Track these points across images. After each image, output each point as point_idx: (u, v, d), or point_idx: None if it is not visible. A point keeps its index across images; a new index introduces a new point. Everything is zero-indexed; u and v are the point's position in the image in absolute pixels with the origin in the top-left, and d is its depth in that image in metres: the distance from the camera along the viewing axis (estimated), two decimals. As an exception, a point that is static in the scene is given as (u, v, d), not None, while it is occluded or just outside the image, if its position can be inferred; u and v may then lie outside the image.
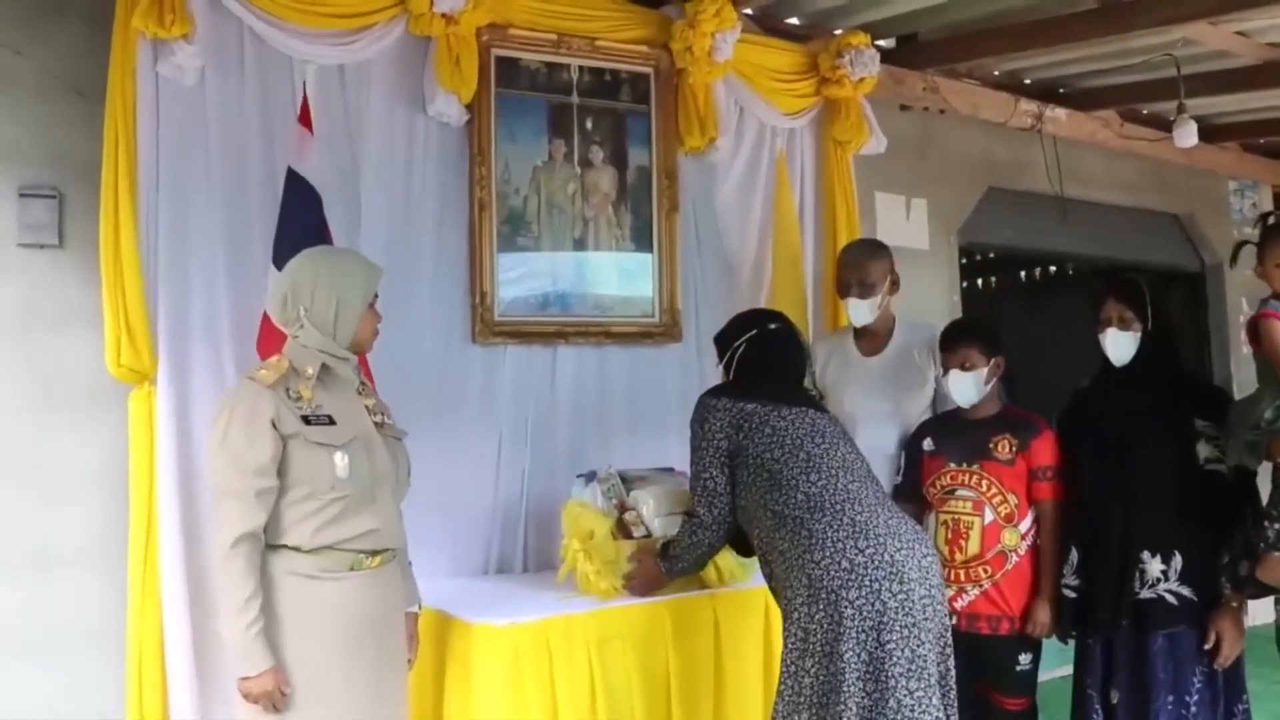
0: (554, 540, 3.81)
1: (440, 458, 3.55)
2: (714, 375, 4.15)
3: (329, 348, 2.59)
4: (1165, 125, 5.53)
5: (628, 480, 3.52)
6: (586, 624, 2.94)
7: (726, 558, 3.26)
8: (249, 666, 2.42)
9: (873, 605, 2.68)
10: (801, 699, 2.69)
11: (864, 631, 2.66)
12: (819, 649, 2.67)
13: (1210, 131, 6.22)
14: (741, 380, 3.16)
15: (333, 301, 2.57)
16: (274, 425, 2.47)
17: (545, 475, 3.82)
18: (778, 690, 2.76)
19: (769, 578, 2.94)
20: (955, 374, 3.40)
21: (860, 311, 3.74)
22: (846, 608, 2.66)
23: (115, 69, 3.11)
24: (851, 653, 2.64)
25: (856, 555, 2.72)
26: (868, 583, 2.69)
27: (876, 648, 2.66)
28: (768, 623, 3.20)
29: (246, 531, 2.43)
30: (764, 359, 3.17)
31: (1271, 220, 3.11)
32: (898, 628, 2.68)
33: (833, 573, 2.70)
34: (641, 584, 3.20)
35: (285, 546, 2.50)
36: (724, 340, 3.26)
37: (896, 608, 2.69)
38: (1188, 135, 5.19)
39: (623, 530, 3.30)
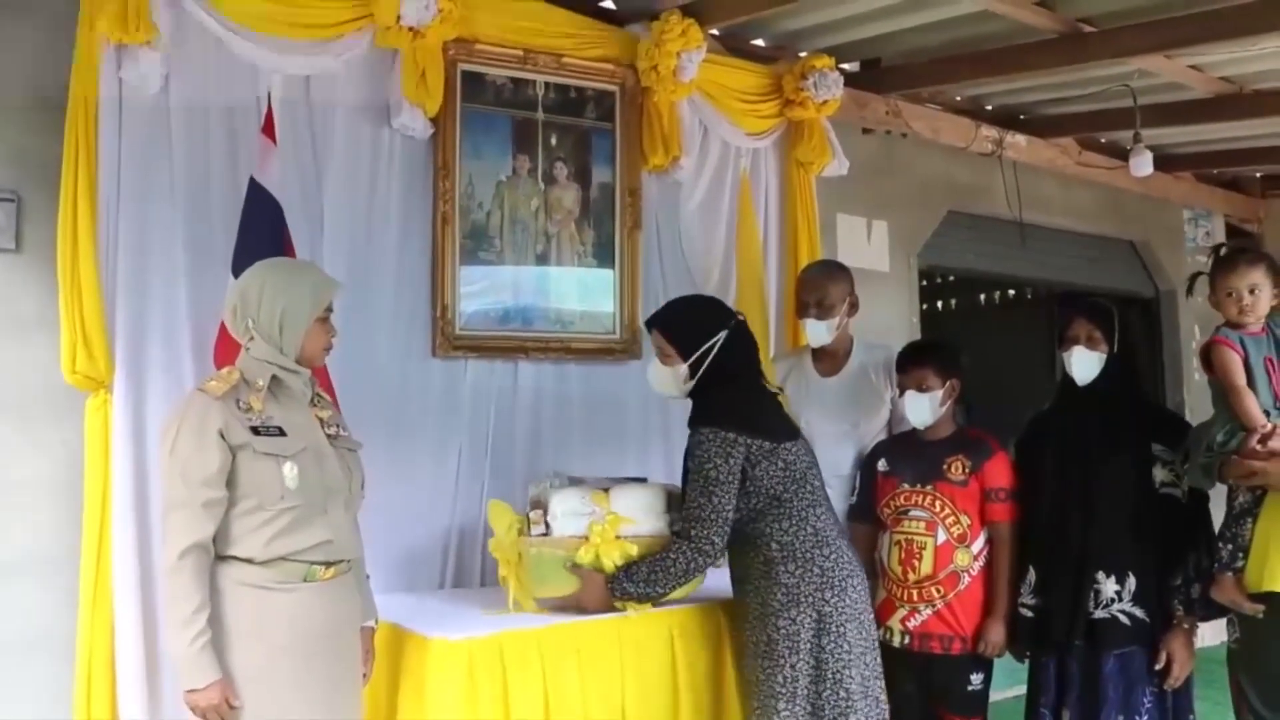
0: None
1: (399, 471, 3.55)
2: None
3: (278, 360, 2.58)
4: (1122, 154, 5.63)
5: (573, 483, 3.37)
6: (541, 639, 2.92)
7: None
8: (195, 679, 2.39)
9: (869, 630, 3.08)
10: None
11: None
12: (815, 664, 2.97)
13: (1165, 161, 6.33)
14: (723, 388, 3.10)
15: (277, 314, 2.56)
16: (222, 436, 2.46)
17: (504, 489, 3.77)
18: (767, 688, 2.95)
19: (748, 592, 3.07)
20: (911, 395, 3.43)
21: (818, 332, 3.76)
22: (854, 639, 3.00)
23: (78, 73, 3.09)
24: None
25: (861, 591, 3.07)
26: (869, 615, 3.10)
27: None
28: (721, 639, 3.20)
29: (194, 543, 2.41)
30: (739, 357, 3.16)
31: (1223, 251, 3.17)
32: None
33: (841, 609, 2.99)
34: (582, 605, 3.07)
35: (236, 558, 2.48)
36: (695, 335, 3.11)
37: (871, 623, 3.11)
38: (1143, 164, 5.28)
39: (526, 526, 3.12)
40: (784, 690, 2.94)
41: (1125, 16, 4.34)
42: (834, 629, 2.97)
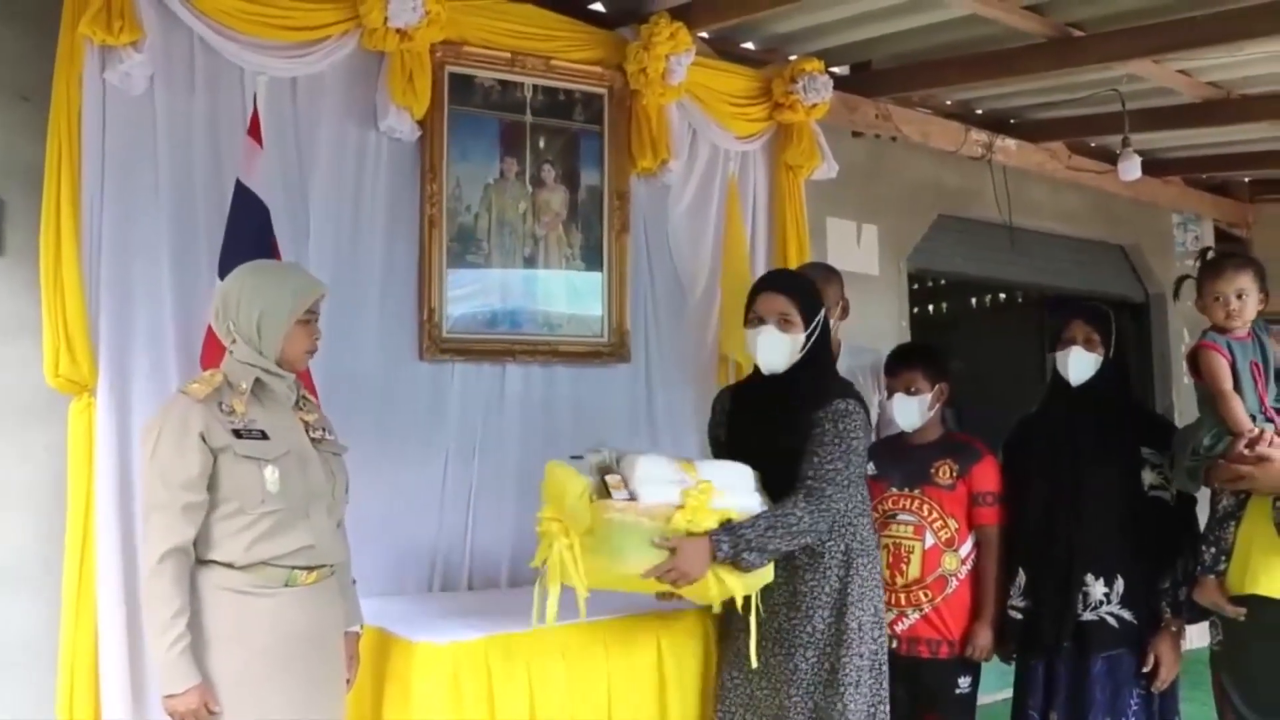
0: (499, 558, 3.82)
1: (386, 474, 3.54)
2: (663, 398, 4.19)
3: (261, 363, 2.57)
4: (1111, 158, 5.65)
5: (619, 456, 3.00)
6: (527, 643, 2.91)
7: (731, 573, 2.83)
8: (174, 684, 2.38)
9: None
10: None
11: None
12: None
13: (1154, 166, 6.35)
14: (829, 363, 3.16)
15: (255, 317, 2.55)
16: (203, 439, 2.45)
17: (491, 493, 3.80)
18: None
19: (808, 580, 2.98)
20: (900, 398, 3.43)
21: None
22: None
23: (61, 75, 3.07)
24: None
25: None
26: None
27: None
28: (706, 644, 3.19)
29: (173, 547, 2.41)
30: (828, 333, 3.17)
31: (1210, 255, 3.18)
32: None
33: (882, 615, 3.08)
34: (682, 572, 2.74)
35: (217, 562, 2.47)
36: (816, 304, 3.06)
37: None
38: (1132, 169, 5.30)
39: (602, 491, 2.76)
40: (851, 679, 2.93)
41: (1114, 21, 4.36)
42: (881, 632, 3.04)
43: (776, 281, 3.15)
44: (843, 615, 2.95)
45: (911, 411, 3.42)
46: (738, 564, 2.77)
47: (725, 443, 3.14)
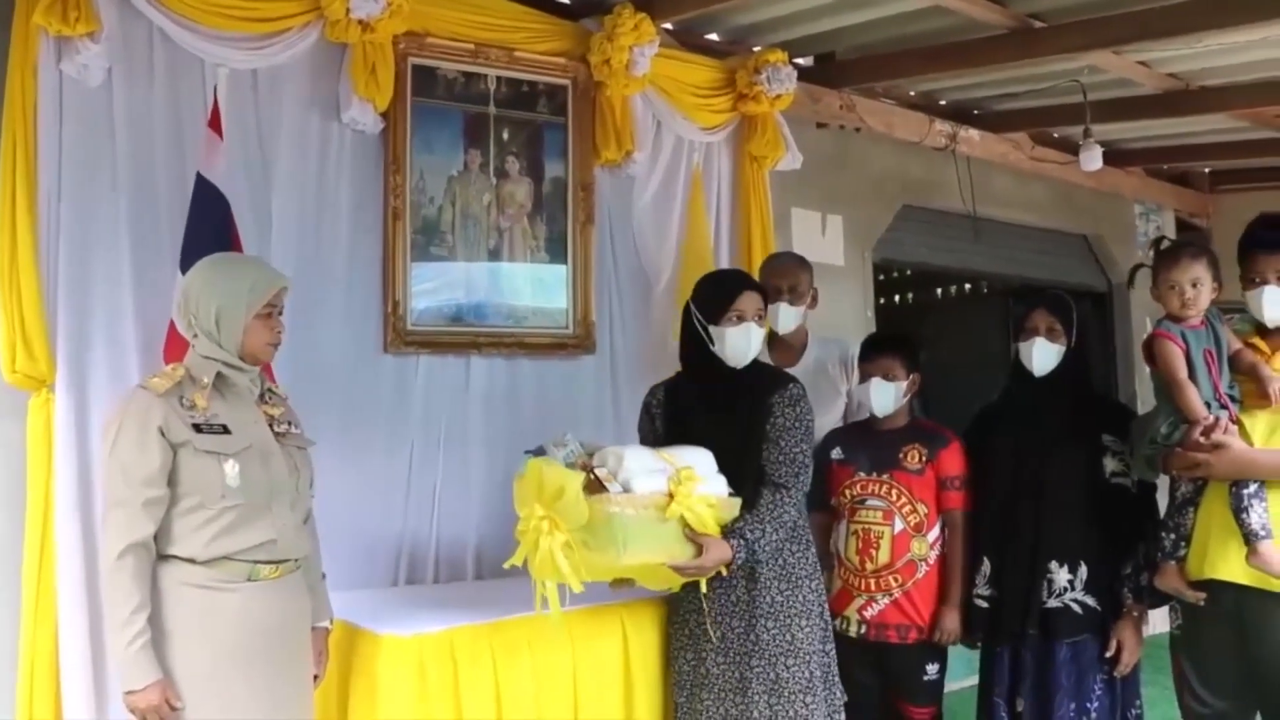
0: (465, 551, 3.81)
1: (351, 467, 3.53)
2: (628, 389, 4.20)
3: (222, 356, 2.55)
4: (1074, 149, 5.70)
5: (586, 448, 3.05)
6: (491, 634, 2.92)
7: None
8: (134, 680, 2.37)
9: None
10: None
11: None
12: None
13: (1116, 156, 6.41)
14: None
15: (213, 312, 2.53)
16: (163, 434, 2.43)
17: (457, 485, 3.80)
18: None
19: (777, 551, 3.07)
20: (877, 383, 3.44)
21: (789, 317, 3.80)
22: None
23: (15, 66, 3.03)
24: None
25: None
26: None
27: None
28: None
29: (133, 542, 2.39)
30: None
31: (1164, 244, 3.21)
32: None
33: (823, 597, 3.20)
34: (704, 569, 2.93)
35: (178, 557, 2.45)
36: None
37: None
38: (1093, 159, 5.35)
39: (594, 486, 2.80)
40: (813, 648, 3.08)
41: (1074, 13, 4.39)
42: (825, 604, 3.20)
43: (754, 282, 3.28)
44: (798, 587, 3.07)
45: (888, 397, 3.44)
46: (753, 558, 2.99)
47: (665, 436, 3.16)
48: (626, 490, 2.80)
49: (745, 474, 3.01)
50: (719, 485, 2.95)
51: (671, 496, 2.83)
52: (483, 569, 3.82)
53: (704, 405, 3.12)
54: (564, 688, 3.02)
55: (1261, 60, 4.85)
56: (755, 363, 3.15)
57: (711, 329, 3.09)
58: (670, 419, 3.17)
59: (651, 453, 2.95)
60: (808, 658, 3.04)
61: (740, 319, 3.07)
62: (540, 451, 2.93)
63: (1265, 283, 2.98)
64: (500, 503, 3.83)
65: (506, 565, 2.86)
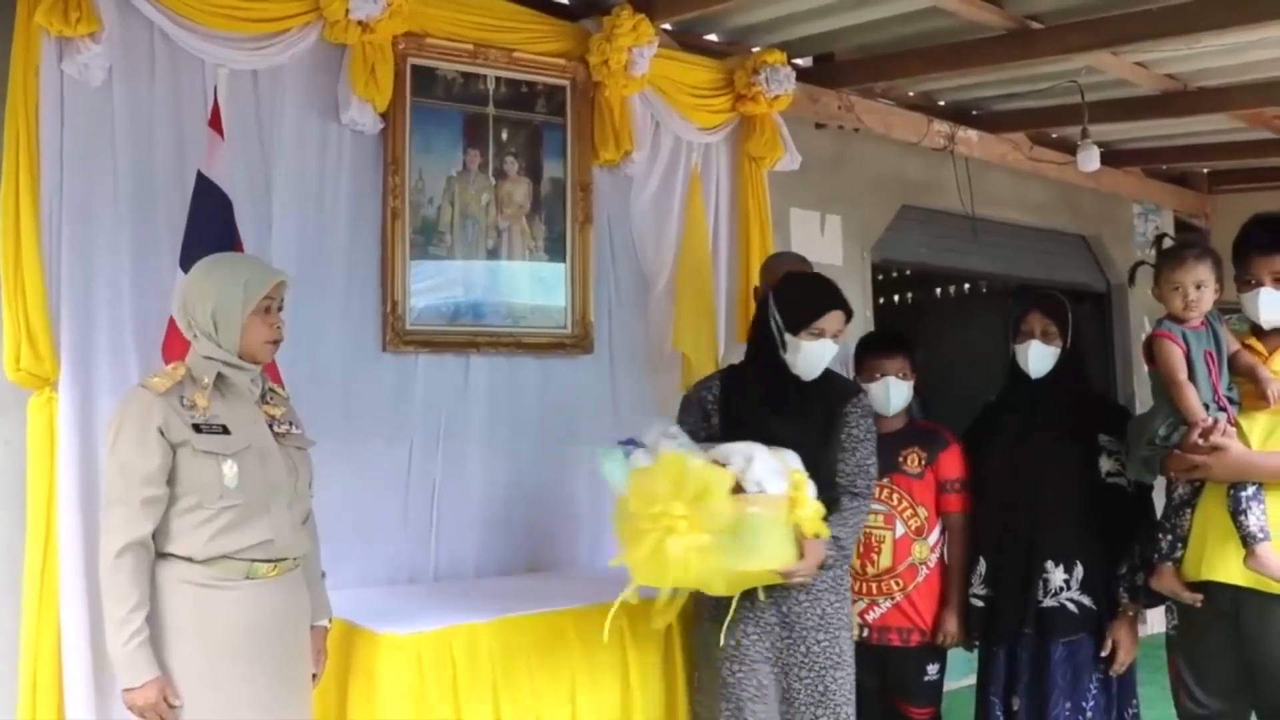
0: (465, 549, 3.82)
1: (351, 466, 3.54)
2: (626, 388, 4.21)
3: (222, 356, 2.56)
4: (1072, 149, 5.70)
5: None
6: (490, 633, 2.93)
7: None
8: (132, 678, 2.38)
9: None
10: None
11: None
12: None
13: (1115, 156, 6.43)
14: None
15: (210, 310, 2.54)
16: (162, 433, 2.44)
17: (456, 484, 3.81)
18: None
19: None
20: (894, 381, 3.44)
21: None
22: None
23: (16, 66, 3.03)
24: None
25: None
26: None
27: None
28: (669, 633, 3.21)
29: (132, 540, 2.40)
30: None
31: (1166, 243, 3.22)
32: None
33: None
34: (804, 574, 2.89)
35: (177, 556, 2.46)
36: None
37: None
38: (1090, 159, 5.35)
39: (736, 489, 2.67)
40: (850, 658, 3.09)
41: (1072, 14, 4.39)
42: None
43: (843, 300, 3.11)
44: (844, 599, 3.07)
45: (903, 395, 3.46)
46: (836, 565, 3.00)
47: (723, 434, 3.01)
48: (760, 490, 2.72)
49: (820, 480, 2.91)
50: (813, 488, 2.88)
51: (793, 500, 2.77)
52: (483, 567, 3.83)
53: (769, 406, 3.03)
54: (563, 686, 3.03)
55: (1259, 61, 4.86)
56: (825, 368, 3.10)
57: (788, 336, 3.02)
58: (729, 416, 3.07)
59: (770, 452, 2.82)
60: (850, 670, 3.05)
61: (820, 335, 3.00)
62: (633, 443, 2.82)
63: (1260, 284, 2.98)
64: (500, 501, 3.88)
65: (612, 564, 2.78)
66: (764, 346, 3.07)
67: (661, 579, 2.65)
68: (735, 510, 2.61)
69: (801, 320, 3.00)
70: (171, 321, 3.03)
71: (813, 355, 3.00)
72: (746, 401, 3.05)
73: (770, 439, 2.88)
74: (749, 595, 2.93)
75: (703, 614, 3.08)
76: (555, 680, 3.01)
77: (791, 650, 3.00)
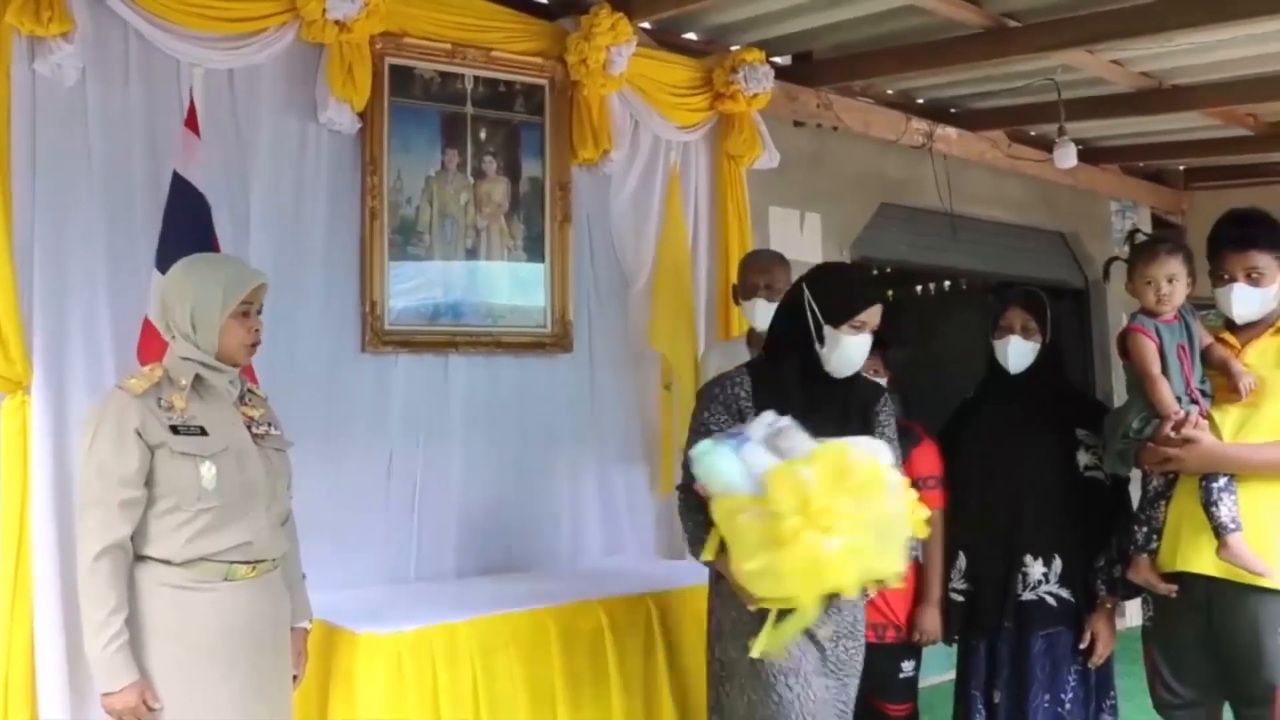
0: (444, 549, 3.82)
1: (330, 466, 3.54)
2: (606, 387, 4.22)
3: (199, 357, 2.55)
4: (1050, 147, 5.71)
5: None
6: (470, 633, 2.94)
7: None
8: (111, 681, 2.37)
9: None
10: None
11: None
12: None
13: (1092, 154, 6.46)
14: None
15: (188, 311, 2.53)
16: (139, 435, 2.43)
17: (436, 483, 3.81)
18: None
19: None
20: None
21: (765, 313, 3.83)
22: None
23: (-12, 66, 3.02)
24: None
25: None
26: None
27: None
28: (649, 631, 3.22)
29: (111, 543, 2.39)
30: None
31: (1138, 238, 3.24)
32: None
33: None
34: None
35: (154, 558, 2.46)
36: None
37: None
38: (1067, 157, 5.38)
39: None
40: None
41: (1048, 12, 4.42)
42: None
43: (885, 294, 2.97)
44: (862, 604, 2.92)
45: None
46: None
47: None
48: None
49: None
50: None
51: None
52: (463, 567, 3.83)
53: (807, 404, 2.74)
54: (544, 686, 3.03)
55: (1231, 59, 4.90)
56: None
57: (827, 330, 2.77)
58: (757, 407, 2.74)
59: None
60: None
61: (861, 329, 2.79)
62: (739, 436, 2.48)
63: (1233, 280, 3.01)
64: (480, 501, 3.88)
65: (748, 568, 2.39)
66: (799, 340, 2.81)
67: (800, 587, 2.29)
68: (891, 507, 2.38)
69: (845, 313, 2.77)
70: (147, 323, 3.03)
71: (853, 350, 2.79)
72: (781, 398, 2.74)
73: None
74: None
75: (734, 630, 2.75)
76: (535, 679, 3.02)
77: (853, 659, 2.85)
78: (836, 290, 2.84)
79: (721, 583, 2.78)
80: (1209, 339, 3.11)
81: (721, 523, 2.45)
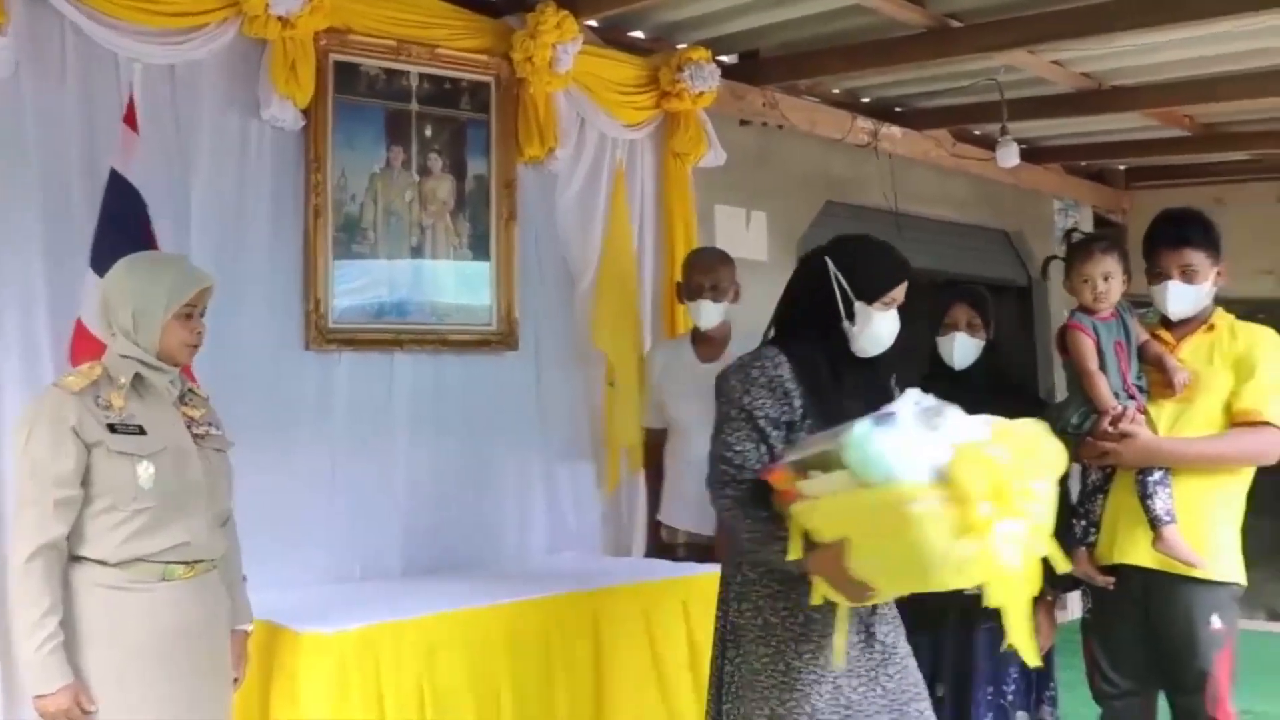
0: (390, 548, 3.80)
1: (273, 465, 3.50)
2: (552, 386, 4.21)
3: (139, 355, 2.52)
4: (994, 146, 5.78)
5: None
6: (415, 631, 2.92)
7: None
8: (44, 684, 2.34)
9: None
10: None
11: None
12: None
13: (1035, 153, 6.56)
14: None
15: (129, 310, 2.50)
16: (76, 433, 2.40)
17: (381, 482, 3.78)
18: None
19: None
20: None
21: (711, 314, 3.86)
22: None
23: (-83, 61, 2.96)
24: None
25: None
26: None
27: None
28: (595, 629, 3.22)
29: (44, 543, 2.36)
30: None
31: (1075, 237, 3.30)
32: None
33: None
34: None
35: (89, 559, 2.42)
36: None
37: None
38: (1009, 156, 5.45)
39: None
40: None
41: (990, 13, 4.47)
42: None
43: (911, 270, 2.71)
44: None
45: None
46: None
47: (813, 419, 2.51)
48: None
49: None
50: None
51: None
52: (410, 566, 3.81)
53: (844, 387, 2.57)
54: (490, 686, 3.02)
55: (1169, 61, 4.99)
56: None
57: (858, 306, 2.55)
58: (813, 400, 2.53)
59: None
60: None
61: (891, 305, 2.59)
62: (887, 417, 2.17)
63: (1168, 277, 3.07)
64: (425, 499, 3.86)
65: (973, 587, 2.15)
66: (827, 318, 2.58)
67: (986, 576, 2.08)
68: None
69: (878, 287, 2.57)
70: (79, 325, 2.98)
71: (883, 327, 2.59)
72: (820, 381, 2.55)
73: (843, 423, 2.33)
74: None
75: (785, 633, 2.50)
76: (481, 678, 3.01)
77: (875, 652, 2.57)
78: (868, 264, 2.61)
79: (752, 585, 2.53)
80: (1145, 336, 3.18)
81: (856, 515, 2.17)
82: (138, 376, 2.52)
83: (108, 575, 2.43)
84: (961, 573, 2.06)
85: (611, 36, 4.65)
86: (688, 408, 3.93)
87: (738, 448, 2.46)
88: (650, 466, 4.21)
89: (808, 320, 2.62)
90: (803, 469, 2.27)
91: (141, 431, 2.48)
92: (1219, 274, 3.11)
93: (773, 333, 2.71)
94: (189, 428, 2.60)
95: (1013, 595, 2.12)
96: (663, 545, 4.04)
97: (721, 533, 3.69)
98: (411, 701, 2.87)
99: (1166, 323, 3.19)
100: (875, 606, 2.51)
